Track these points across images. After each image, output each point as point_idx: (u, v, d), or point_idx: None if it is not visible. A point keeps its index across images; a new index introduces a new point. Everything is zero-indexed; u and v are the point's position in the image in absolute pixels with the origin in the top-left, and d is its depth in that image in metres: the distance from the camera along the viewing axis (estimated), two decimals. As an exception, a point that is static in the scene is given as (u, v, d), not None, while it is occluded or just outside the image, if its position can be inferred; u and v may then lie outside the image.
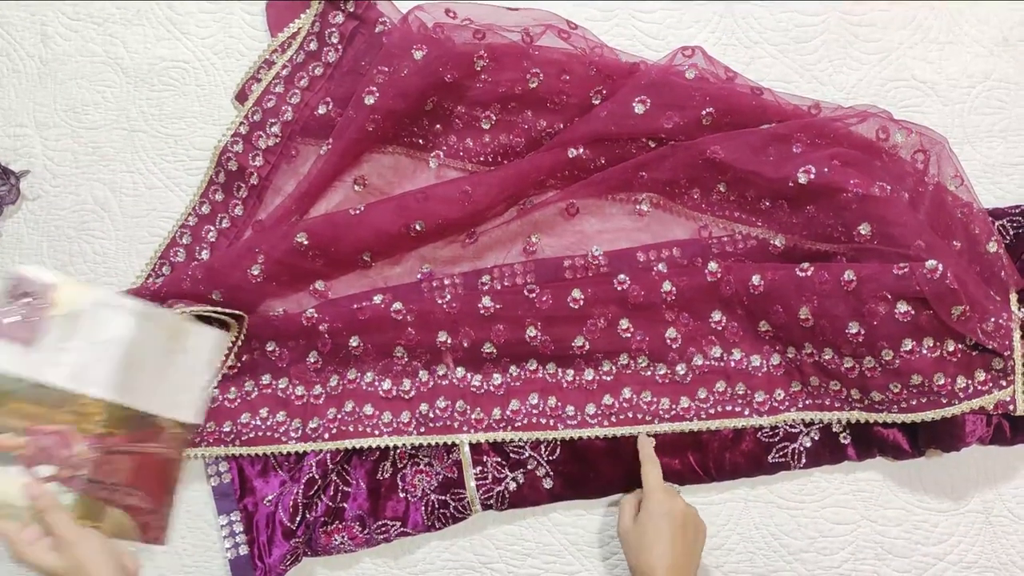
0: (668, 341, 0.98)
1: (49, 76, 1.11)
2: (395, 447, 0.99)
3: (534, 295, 0.97)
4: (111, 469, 0.80)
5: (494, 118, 1.03)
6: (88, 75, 1.10)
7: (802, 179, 0.93)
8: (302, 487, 0.97)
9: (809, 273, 0.92)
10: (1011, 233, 1.00)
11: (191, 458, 1.00)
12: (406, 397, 0.99)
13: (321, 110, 1.04)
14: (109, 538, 0.77)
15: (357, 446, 0.98)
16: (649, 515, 0.88)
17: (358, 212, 0.98)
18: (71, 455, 0.77)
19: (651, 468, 0.93)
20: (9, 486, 0.74)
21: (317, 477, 0.98)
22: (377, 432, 0.98)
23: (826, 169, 0.93)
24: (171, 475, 0.87)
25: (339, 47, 1.06)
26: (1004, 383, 0.91)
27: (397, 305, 0.98)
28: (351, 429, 0.99)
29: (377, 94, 0.99)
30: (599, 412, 0.98)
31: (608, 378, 0.99)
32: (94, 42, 1.11)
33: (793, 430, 0.98)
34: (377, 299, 0.99)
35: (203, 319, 0.99)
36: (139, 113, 1.09)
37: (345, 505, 0.98)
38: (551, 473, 0.98)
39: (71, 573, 0.74)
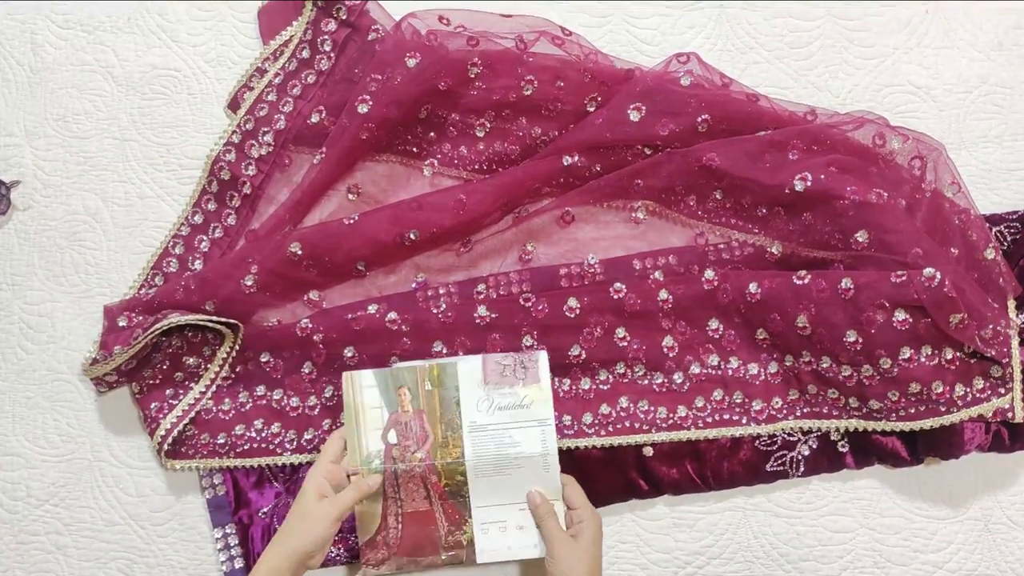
0: (665, 349, 0.98)
1: (39, 85, 1.10)
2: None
3: (530, 304, 0.97)
4: (409, 490, 0.92)
5: (488, 125, 1.03)
6: (79, 84, 1.09)
7: (798, 186, 0.93)
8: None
9: (806, 281, 0.92)
10: (1008, 239, 0.99)
11: (186, 470, 0.99)
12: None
13: (314, 118, 1.03)
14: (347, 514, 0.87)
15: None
16: (591, 536, 0.87)
17: (352, 221, 0.97)
18: (412, 450, 0.91)
19: (575, 485, 0.92)
20: (375, 421, 0.91)
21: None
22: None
23: (823, 176, 0.92)
24: (423, 552, 0.93)
25: (332, 55, 1.06)
26: (1003, 390, 0.91)
27: (392, 315, 0.97)
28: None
29: (370, 102, 0.98)
30: (596, 422, 0.97)
31: (605, 387, 0.98)
32: (84, 51, 1.10)
33: (791, 438, 0.97)
34: (372, 309, 0.98)
35: (198, 328, 0.99)
36: (130, 122, 1.08)
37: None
38: (548, 483, 0.98)
39: (297, 508, 0.85)
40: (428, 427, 0.91)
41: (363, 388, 0.91)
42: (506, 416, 0.91)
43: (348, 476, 0.90)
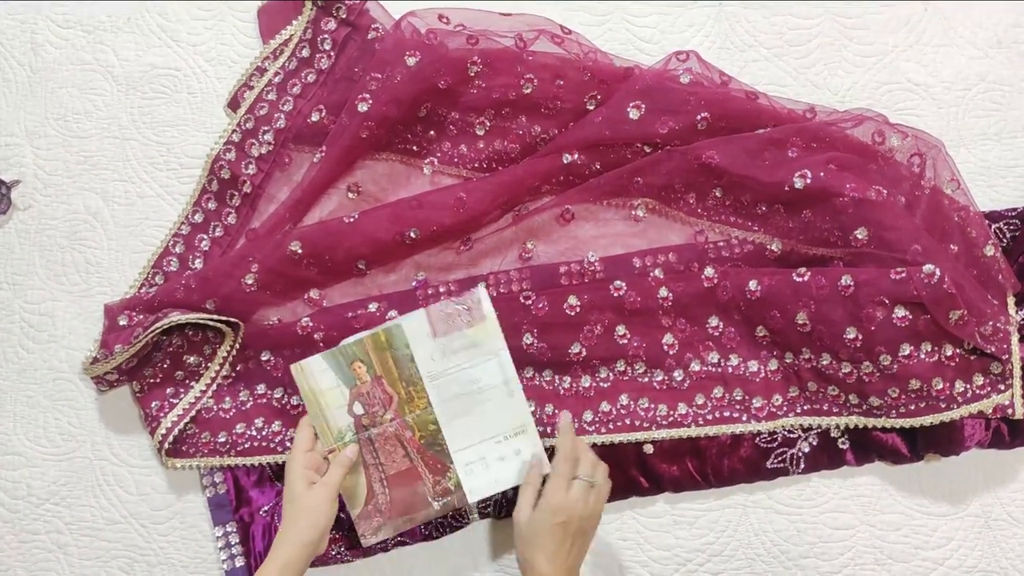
0: (665, 347, 0.98)
1: (39, 85, 1.10)
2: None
3: (530, 302, 0.97)
4: (388, 451, 0.93)
5: (488, 124, 1.03)
6: (79, 83, 1.10)
7: (798, 183, 0.93)
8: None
9: (806, 278, 0.92)
10: (1008, 236, 1.00)
11: (186, 469, 0.99)
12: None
13: (314, 117, 1.03)
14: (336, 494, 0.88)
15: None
16: (544, 515, 0.84)
17: (352, 220, 0.97)
18: (380, 414, 0.92)
19: (568, 433, 0.90)
20: (336, 400, 0.92)
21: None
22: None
23: (822, 173, 0.92)
24: (415, 508, 0.94)
25: (332, 53, 1.06)
26: (1003, 387, 0.91)
27: (392, 313, 0.97)
28: (347, 438, 0.99)
29: (370, 101, 0.98)
30: (596, 419, 0.98)
31: (605, 385, 0.98)
32: (85, 50, 1.10)
33: (791, 435, 0.97)
34: (372, 307, 0.98)
35: (198, 326, 0.99)
36: (131, 121, 1.09)
37: (342, 515, 0.97)
38: (549, 481, 0.98)
39: (290, 501, 0.85)
40: (390, 389, 0.92)
41: (315, 373, 0.92)
42: (461, 358, 0.92)
43: (325, 458, 0.91)
